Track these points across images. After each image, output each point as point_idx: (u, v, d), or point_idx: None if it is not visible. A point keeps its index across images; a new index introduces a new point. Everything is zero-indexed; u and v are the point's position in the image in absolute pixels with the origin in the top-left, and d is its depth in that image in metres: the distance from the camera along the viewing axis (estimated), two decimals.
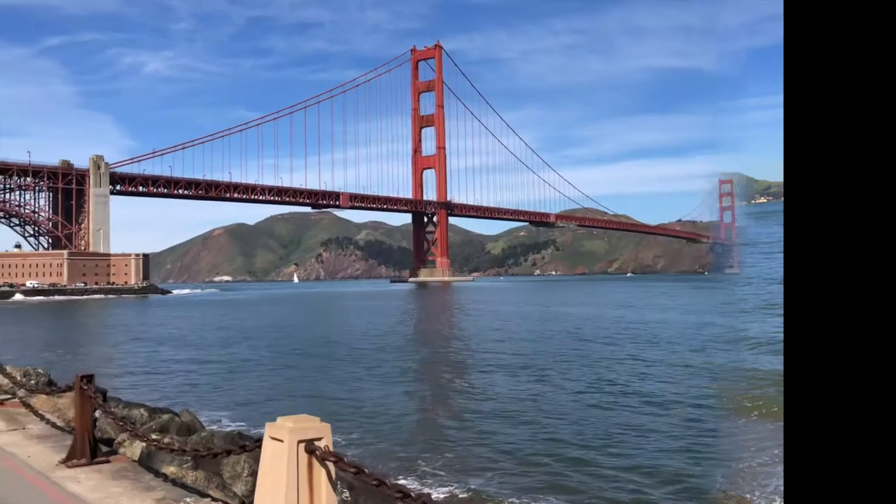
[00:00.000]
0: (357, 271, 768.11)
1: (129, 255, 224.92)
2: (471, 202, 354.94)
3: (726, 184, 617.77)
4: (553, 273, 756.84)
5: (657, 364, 38.21)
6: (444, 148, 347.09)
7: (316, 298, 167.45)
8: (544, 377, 34.05)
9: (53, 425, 11.38)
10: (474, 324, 71.34)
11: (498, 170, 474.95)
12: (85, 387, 8.81)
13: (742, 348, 44.71)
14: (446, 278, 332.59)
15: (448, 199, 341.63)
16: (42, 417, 11.77)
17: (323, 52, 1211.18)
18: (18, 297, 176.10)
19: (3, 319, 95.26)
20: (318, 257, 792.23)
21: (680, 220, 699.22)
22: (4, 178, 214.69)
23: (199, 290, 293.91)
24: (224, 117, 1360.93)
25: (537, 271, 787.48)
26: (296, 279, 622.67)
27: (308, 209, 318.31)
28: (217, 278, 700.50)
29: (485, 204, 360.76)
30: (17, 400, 13.98)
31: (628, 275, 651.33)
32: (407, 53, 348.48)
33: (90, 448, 8.67)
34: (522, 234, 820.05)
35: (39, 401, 13.82)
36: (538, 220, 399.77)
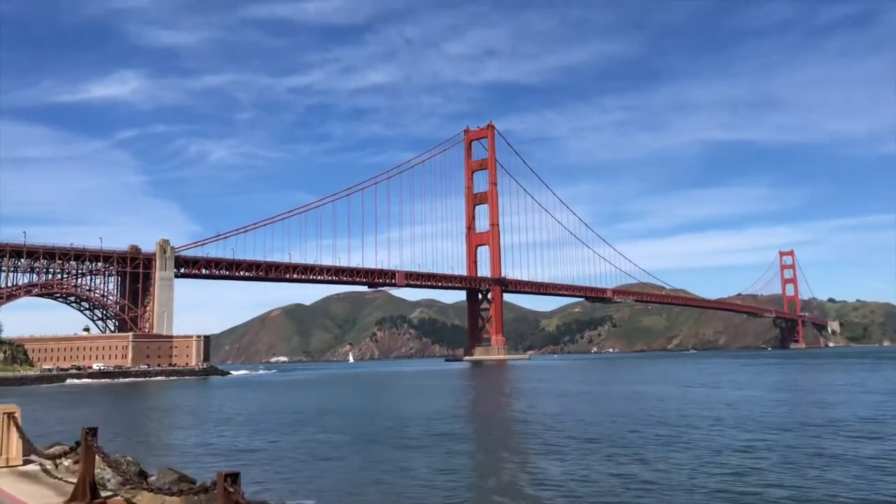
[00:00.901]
0: (411, 350, 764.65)
1: (191, 336, 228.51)
2: (525, 278, 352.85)
3: (787, 255, 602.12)
4: (611, 350, 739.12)
5: (768, 448, 35.31)
6: (498, 224, 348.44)
7: (374, 378, 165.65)
8: (646, 463, 31.63)
9: None
10: (542, 405, 68.37)
11: (551, 245, 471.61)
12: (231, 489, 7.42)
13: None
14: (501, 356, 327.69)
15: (502, 275, 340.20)
16: None
17: (378, 136, 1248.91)
18: (86, 380, 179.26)
19: (70, 402, 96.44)
20: (373, 336, 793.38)
21: (740, 294, 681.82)
22: (77, 264, 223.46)
23: (259, 371, 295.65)
24: (284, 201, 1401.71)
25: (594, 349, 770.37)
26: (351, 359, 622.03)
27: (364, 288, 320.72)
28: (274, 359, 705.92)
29: (539, 280, 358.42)
30: (120, 498, 12.84)
31: (691, 351, 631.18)
32: (460, 134, 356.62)
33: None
34: (577, 310, 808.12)
35: (144, 499, 12.66)
36: (594, 296, 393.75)
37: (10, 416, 13.07)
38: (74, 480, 12.59)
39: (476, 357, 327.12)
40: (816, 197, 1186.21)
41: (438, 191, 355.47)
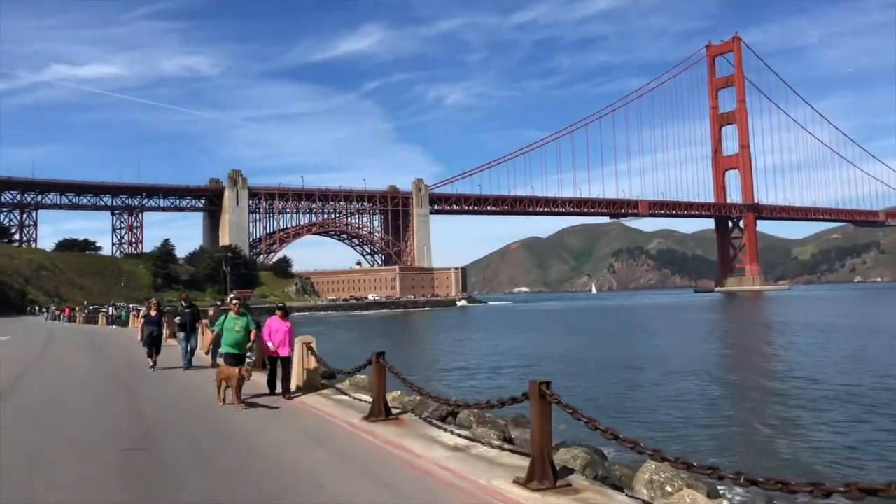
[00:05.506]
0: (650, 281, 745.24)
1: (450, 268, 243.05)
2: (779, 203, 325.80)
3: None
4: (878, 280, 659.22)
5: None
6: (748, 146, 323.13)
7: (636, 310, 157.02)
8: None
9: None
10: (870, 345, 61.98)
11: (807, 166, 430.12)
12: (548, 392, 8.71)
13: None
14: (757, 287, 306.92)
15: (755, 200, 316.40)
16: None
17: (607, 65, 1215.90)
18: (366, 311, 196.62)
19: (372, 329, 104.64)
20: (610, 268, 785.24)
21: None
22: (346, 204, 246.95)
23: (505, 302, 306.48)
24: (516, 137, 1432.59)
25: (857, 278, 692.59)
26: (593, 290, 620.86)
27: (598, 220, 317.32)
28: (515, 290, 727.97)
29: (795, 204, 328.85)
30: (409, 415, 14.46)
31: None
32: (701, 51, 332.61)
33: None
34: (836, 236, 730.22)
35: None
36: (862, 220, 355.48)
37: (308, 345, 16.17)
38: (365, 398, 14.75)
39: (728, 288, 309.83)
40: None
41: (677, 115, 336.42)
